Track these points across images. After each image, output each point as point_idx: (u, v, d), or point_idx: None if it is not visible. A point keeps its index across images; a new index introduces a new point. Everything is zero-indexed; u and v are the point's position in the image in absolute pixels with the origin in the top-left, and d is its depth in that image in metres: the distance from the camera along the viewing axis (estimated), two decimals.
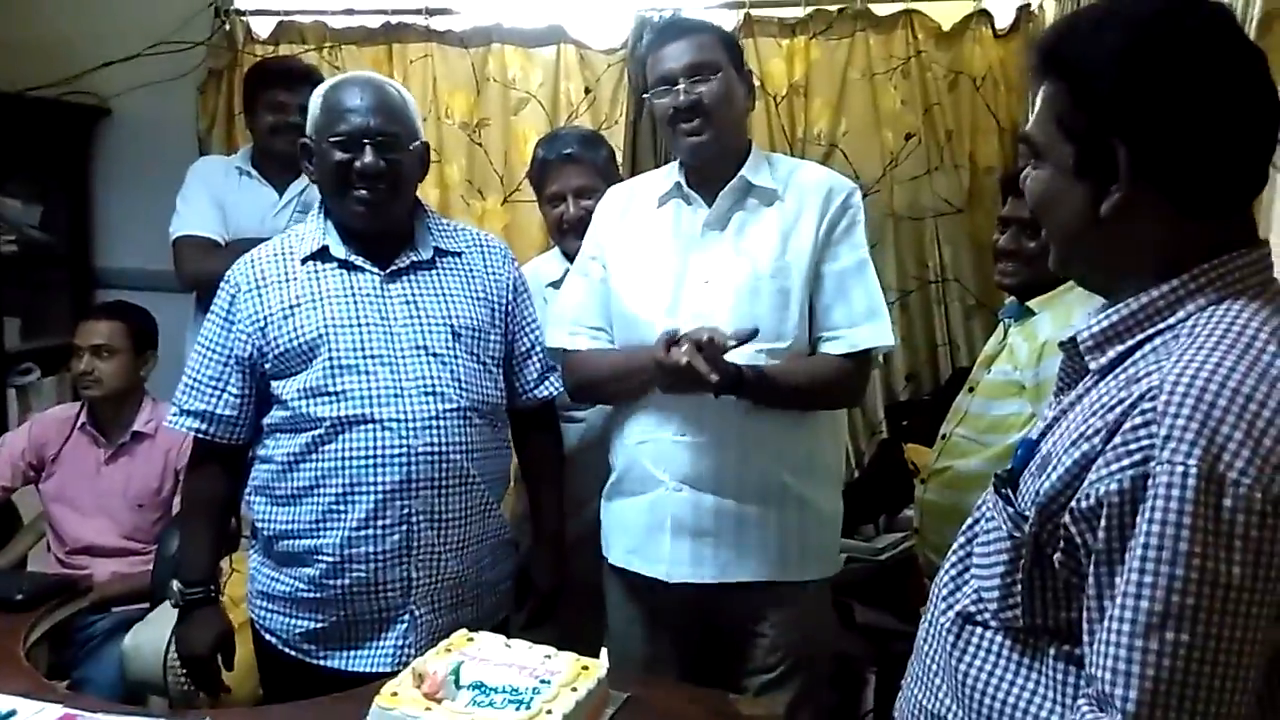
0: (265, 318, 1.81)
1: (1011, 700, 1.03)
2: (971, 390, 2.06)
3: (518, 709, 1.42)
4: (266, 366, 1.82)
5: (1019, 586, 1.02)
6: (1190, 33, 0.96)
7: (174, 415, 1.89)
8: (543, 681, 1.49)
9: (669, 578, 1.88)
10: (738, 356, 1.77)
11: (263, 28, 3.32)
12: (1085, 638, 0.94)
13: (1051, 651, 1.01)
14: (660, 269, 1.91)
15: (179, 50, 3.33)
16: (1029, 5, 3.01)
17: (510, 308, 1.95)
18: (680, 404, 1.83)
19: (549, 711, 1.41)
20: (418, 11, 3.22)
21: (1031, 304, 1.97)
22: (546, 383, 2.02)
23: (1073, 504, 0.94)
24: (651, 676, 1.80)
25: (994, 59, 3.02)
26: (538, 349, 2.00)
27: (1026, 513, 1.00)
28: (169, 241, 2.76)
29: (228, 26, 3.29)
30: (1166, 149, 0.96)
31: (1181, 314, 0.98)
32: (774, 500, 1.87)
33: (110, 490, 2.57)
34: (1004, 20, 3.03)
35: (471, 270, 1.92)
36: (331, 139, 1.78)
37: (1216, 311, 0.96)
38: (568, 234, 2.25)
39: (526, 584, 2.05)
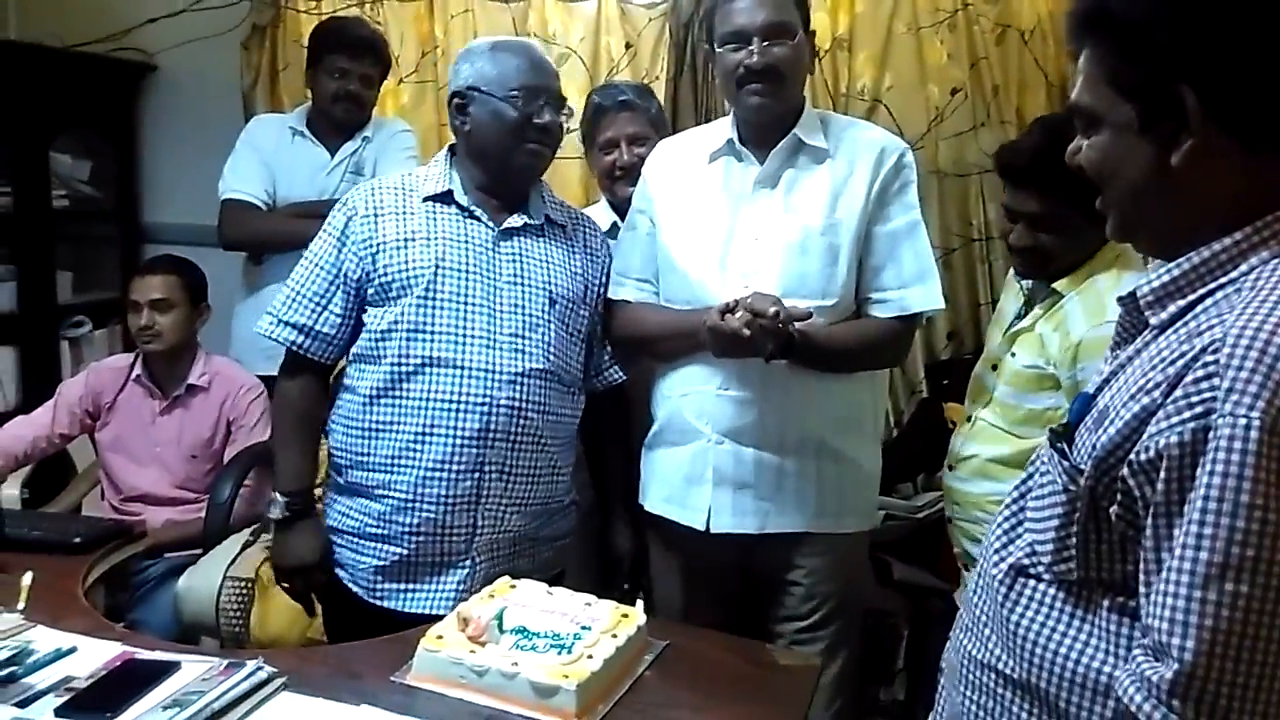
0: (379, 244, 1.85)
1: (1063, 651, 1.03)
2: (995, 369, 1.96)
3: (559, 653, 1.46)
4: (370, 291, 1.86)
5: (1073, 539, 1.02)
6: None
7: (270, 324, 1.91)
8: (583, 628, 1.53)
9: (711, 528, 1.91)
10: None
11: None
12: (1141, 589, 0.95)
13: (1105, 604, 1.02)
14: (710, 224, 1.91)
15: (224, 6, 3.34)
16: None
17: (601, 288, 2.01)
18: (724, 360, 1.85)
19: (589, 656, 1.44)
20: None
21: (1057, 285, 1.87)
22: (617, 366, 2.06)
23: (1131, 456, 0.94)
24: (689, 625, 1.82)
25: (1043, 12, 2.96)
26: None
27: (1082, 466, 1.00)
28: (216, 199, 2.81)
29: None
30: (1235, 86, 0.95)
31: (1244, 267, 0.97)
32: (812, 454, 1.89)
33: (164, 440, 2.63)
34: None
35: (573, 245, 1.97)
36: (509, 92, 1.84)
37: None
38: (619, 180, 2.28)
39: (609, 561, 2.08)
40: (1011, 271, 2.03)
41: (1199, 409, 0.90)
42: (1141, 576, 0.95)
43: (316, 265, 1.90)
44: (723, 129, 1.96)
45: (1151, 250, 1.11)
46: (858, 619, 2.06)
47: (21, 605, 1.63)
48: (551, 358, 1.88)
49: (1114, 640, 1.01)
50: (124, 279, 3.08)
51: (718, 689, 1.53)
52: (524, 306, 1.87)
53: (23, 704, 1.37)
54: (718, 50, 1.87)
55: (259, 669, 1.44)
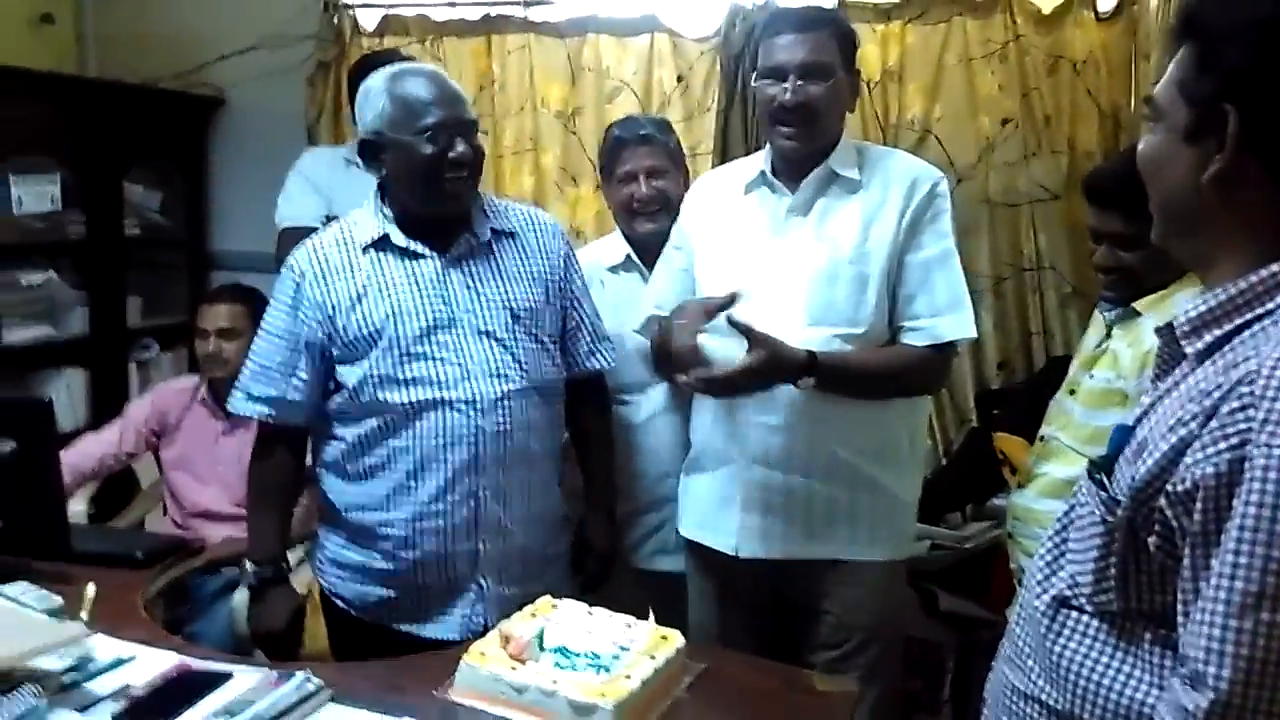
0: (333, 306, 1.84)
1: (1106, 683, 1.03)
2: (1073, 393, 1.98)
3: (598, 673, 1.47)
4: (335, 353, 1.86)
5: (1113, 570, 1.02)
6: None
7: (241, 401, 1.92)
8: (622, 648, 1.54)
9: (738, 552, 1.93)
10: (812, 342, 1.80)
11: (369, 20, 3.43)
12: (1180, 619, 0.95)
13: (1147, 636, 1.01)
14: (742, 254, 1.93)
15: (291, 44, 3.47)
16: None
17: (563, 283, 1.98)
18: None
19: (628, 677, 1.46)
20: (516, 3, 3.30)
21: (1137, 305, 1.89)
22: (597, 355, 2.05)
23: (1169, 487, 0.94)
24: (728, 649, 1.83)
25: (1095, 42, 2.95)
26: (588, 321, 2.04)
27: (1120, 497, 1.01)
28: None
29: (335, 20, 3.40)
30: (1278, 123, 0.96)
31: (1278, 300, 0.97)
32: (844, 481, 1.90)
33: (226, 460, 2.70)
34: (1106, 4, 2.95)
35: (526, 250, 1.95)
36: (418, 132, 1.78)
37: None
38: (638, 214, 2.26)
39: (582, 549, 2.10)
40: (1097, 308, 2.03)
41: (1235, 440, 0.90)
42: (1180, 607, 0.95)
43: (275, 336, 1.88)
44: (757, 161, 1.99)
45: (1186, 261, 1.12)
46: (895, 649, 2.04)
47: (85, 615, 1.70)
48: (527, 373, 1.88)
49: (1157, 673, 1.00)
50: (191, 304, 3.19)
51: (754, 713, 1.54)
52: (490, 331, 1.86)
53: (83, 709, 1.43)
54: (754, 84, 1.90)
55: (307, 680, 1.49)
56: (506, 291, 1.89)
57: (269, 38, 3.49)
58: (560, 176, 3.29)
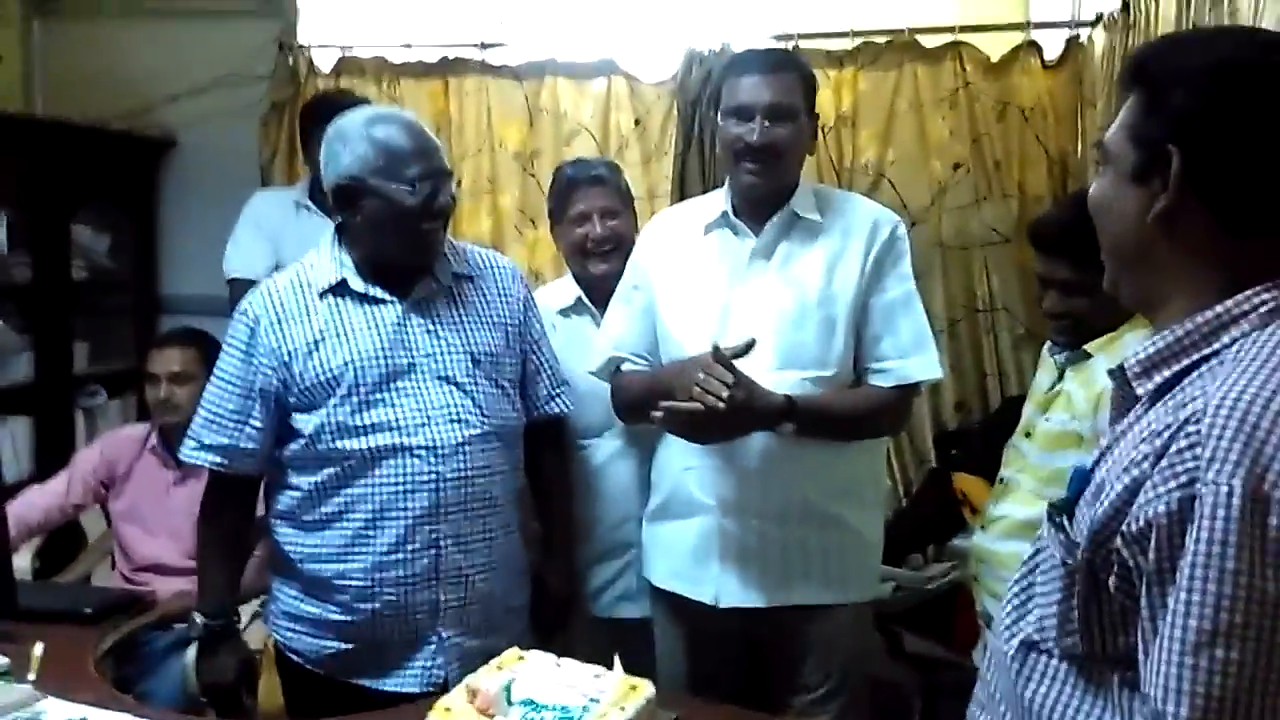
0: (289, 352, 1.81)
1: None
2: (1029, 435, 2.01)
3: None
4: (290, 400, 1.82)
5: (1075, 614, 1.03)
6: (1276, 68, 0.99)
7: (192, 450, 1.87)
8: (592, 700, 1.52)
9: (719, 602, 1.91)
10: (783, 386, 1.80)
11: (325, 62, 3.42)
12: (1140, 658, 0.95)
13: (1115, 678, 1.02)
14: (706, 297, 1.93)
15: (244, 84, 3.44)
16: (1078, 36, 3.02)
17: (522, 328, 1.97)
18: None
19: None
20: (474, 45, 3.31)
21: (1088, 346, 1.92)
22: (556, 400, 2.04)
23: (1124, 528, 0.96)
24: (698, 697, 1.81)
25: (1043, 89, 3.04)
26: (547, 366, 2.03)
27: (1079, 540, 1.02)
28: None
29: (291, 60, 3.39)
30: (1219, 163, 1.00)
31: (1226, 339, 0.99)
32: (816, 525, 1.90)
33: (178, 511, 2.63)
34: (1053, 51, 3.04)
35: (486, 295, 1.93)
36: (402, 180, 1.75)
37: (1260, 336, 0.98)
38: (591, 255, 2.25)
39: (540, 597, 2.06)
40: (1045, 348, 2.07)
41: (1184, 478, 0.91)
42: (1141, 646, 0.96)
43: (228, 383, 1.84)
44: (717, 201, 1.99)
45: (1134, 303, 1.14)
46: (865, 689, 2.05)
47: (33, 676, 1.64)
48: (487, 418, 1.86)
49: (1126, 715, 1.01)
50: (139, 349, 3.12)
51: None
52: (450, 376, 1.84)
53: None
54: (720, 122, 1.91)
55: None
56: (467, 336, 1.88)
57: (222, 78, 3.46)
58: (519, 219, 3.29)
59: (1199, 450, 0.91)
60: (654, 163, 3.17)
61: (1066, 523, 1.06)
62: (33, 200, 3.27)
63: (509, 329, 1.94)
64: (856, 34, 3.08)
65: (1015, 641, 1.11)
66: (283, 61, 3.39)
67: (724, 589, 1.91)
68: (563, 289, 2.35)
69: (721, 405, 1.71)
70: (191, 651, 2.25)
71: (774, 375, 1.83)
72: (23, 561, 2.68)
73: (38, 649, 1.69)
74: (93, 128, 3.47)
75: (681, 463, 1.94)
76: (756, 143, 1.85)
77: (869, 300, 1.90)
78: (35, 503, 2.66)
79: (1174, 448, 0.93)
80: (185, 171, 3.69)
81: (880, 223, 1.94)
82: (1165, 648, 0.91)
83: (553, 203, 2.38)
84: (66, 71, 3.65)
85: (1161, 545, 0.92)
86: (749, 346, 1.75)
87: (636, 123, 3.21)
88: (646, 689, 1.57)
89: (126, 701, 1.72)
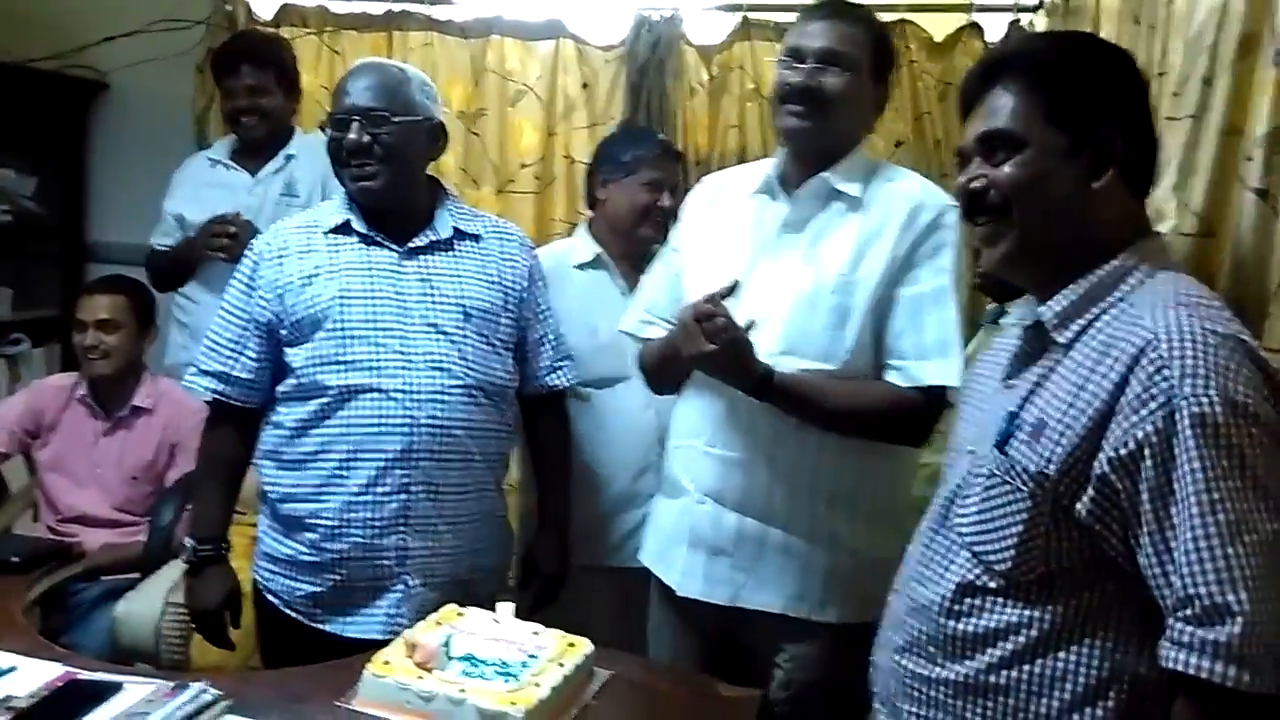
0: (285, 285, 1.87)
1: (1018, 650, 1.17)
2: None
3: (506, 680, 1.48)
4: (283, 333, 1.88)
5: (1039, 540, 1.15)
6: (1132, 62, 1.30)
7: (192, 375, 1.95)
8: (531, 656, 1.55)
9: (679, 589, 1.82)
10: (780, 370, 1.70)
11: (265, 9, 3.33)
12: (1152, 569, 1.08)
13: (1062, 596, 1.15)
14: (730, 264, 1.79)
15: (180, 28, 3.34)
16: (1019, 20, 3.07)
17: (525, 295, 1.99)
18: (713, 414, 1.78)
19: (536, 684, 1.46)
20: (419, 0, 3.26)
21: (1010, 306, 1.93)
22: (558, 372, 2.07)
23: (1110, 454, 1.09)
24: (634, 655, 1.81)
25: None
26: (551, 338, 2.05)
27: (1048, 470, 1.14)
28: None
29: (229, 6, 3.29)
30: (1138, 136, 1.24)
31: (1125, 286, 1.18)
32: (802, 530, 1.75)
33: (106, 462, 2.60)
34: (995, 34, 3.09)
35: (488, 255, 1.97)
36: (332, 118, 1.86)
37: (1158, 276, 1.18)
38: (652, 222, 2.29)
39: (531, 568, 2.11)
40: (982, 329, 2.11)
41: (1161, 399, 1.07)
42: (1152, 556, 1.07)
43: (228, 313, 1.93)
44: (767, 165, 1.87)
45: (1040, 271, 1.26)
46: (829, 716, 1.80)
47: None
48: (472, 372, 1.88)
49: (1072, 628, 1.14)
50: (65, 297, 3.05)
51: (663, 717, 1.57)
52: (438, 324, 1.87)
53: None
54: (777, 67, 1.80)
55: (204, 691, 1.45)
56: (461, 289, 1.91)
57: (157, 21, 3.35)
58: (461, 178, 3.25)
59: (1167, 372, 1.07)
60: (600, 128, 3.15)
61: (1023, 456, 1.17)
62: None
63: (508, 291, 1.96)
64: (805, 8, 3.09)
65: (948, 588, 1.23)
66: (220, 7, 3.29)
67: (687, 577, 1.81)
68: (578, 244, 2.38)
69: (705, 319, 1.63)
70: (122, 605, 2.24)
71: (772, 360, 1.70)
72: None
73: None
74: (19, 66, 3.35)
75: (674, 441, 1.89)
76: (798, 83, 1.73)
77: (897, 291, 1.73)
78: None
79: (1140, 375, 1.08)
80: (117, 116, 3.59)
81: (924, 206, 1.75)
82: (1201, 548, 1.04)
83: (626, 156, 2.34)
84: None
85: (1157, 461, 1.07)
86: (748, 328, 1.65)
87: (584, 86, 3.18)
88: (585, 646, 1.61)
89: (56, 651, 1.69)
